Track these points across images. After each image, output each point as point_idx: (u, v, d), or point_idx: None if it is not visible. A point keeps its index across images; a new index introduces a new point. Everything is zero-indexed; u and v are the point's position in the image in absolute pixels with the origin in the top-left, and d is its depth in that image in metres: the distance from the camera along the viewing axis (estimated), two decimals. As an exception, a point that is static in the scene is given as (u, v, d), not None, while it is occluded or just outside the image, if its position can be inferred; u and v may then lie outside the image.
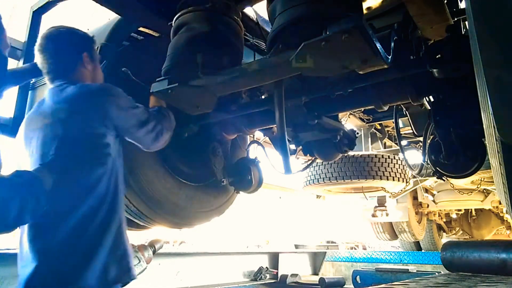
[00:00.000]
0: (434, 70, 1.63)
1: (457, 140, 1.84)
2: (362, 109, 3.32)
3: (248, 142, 2.58)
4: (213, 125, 2.23)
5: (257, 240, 7.43)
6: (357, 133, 2.36)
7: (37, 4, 2.42)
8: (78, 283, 1.31)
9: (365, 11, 1.92)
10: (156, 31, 2.28)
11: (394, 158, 3.87)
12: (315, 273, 6.32)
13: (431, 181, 5.67)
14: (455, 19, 1.88)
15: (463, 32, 1.74)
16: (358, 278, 4.68)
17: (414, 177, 4.42)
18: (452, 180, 4.67)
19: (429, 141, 2.11)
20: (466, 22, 1.87)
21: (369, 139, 4.49)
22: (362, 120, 3.81)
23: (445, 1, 1.76)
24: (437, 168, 2.01)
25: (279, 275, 5.33)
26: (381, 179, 3.75)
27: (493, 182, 3.36)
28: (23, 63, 2.25)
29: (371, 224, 6.57)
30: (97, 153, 1.44)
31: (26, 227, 1.38)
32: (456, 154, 1.88)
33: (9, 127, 2.14)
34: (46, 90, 1.61)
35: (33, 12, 2.41)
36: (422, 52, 1.74)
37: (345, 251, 6.51)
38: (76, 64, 1.58)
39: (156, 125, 1.62)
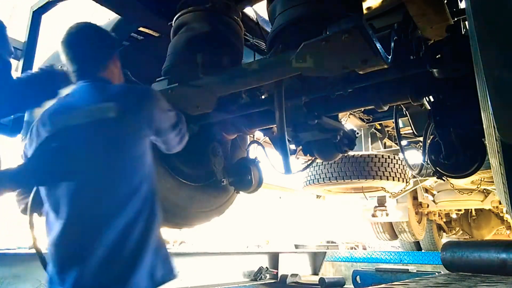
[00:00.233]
0: (434, 70, 1.63)
1: (457, 140, 1.84)
2: (362, 109, 3.31)
3: (248, 142, 2.58)
4: (213, 125, 2.23)
5: (257, 240, 7.43)
6: (357, 133, 2.36)
7: (37, 4, 2.42)
8: (128, 285, 1.29)
9: (365, 11, 1.92)
10: (156, 31, 2.28)
11: (394, 158, 3.87)
12: (315, 273, 6.32)
13: (431, 181, 5.67)
14: (455, 19, 1.88)
15: (463, 32, 1.74)
16: (358, 278, 4.68)
17: (414, 177, 4.42)
18: (452, 180, 4.67)
19: (429, 141, 2.11)
20: (466, 22, 1.87)
21: (369, 139, 4.49)
22: (362, 120, 3.81)
23: (445, 1, 1.77)
24: (437, 168, 2.01)
25: (279, 275, 5.33)
26: (381, 179, 3.75)
27: (493, 182, 3.36)
28: (23, 63, 2.25)
29: (371, 224, 6.57)
30: (141, 154, 1.41)
31: (59, 229, 1.32)
32: (456, 154, 1.88)
33: (9, 127, 2.14)
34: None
35: (33, 12, 2.41)
36: (422, 52, 1.74)
37: (345, 251, 6.51)
38: (108, 62, 1.53)
39: (182, 128, 1.61)
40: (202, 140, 2.27)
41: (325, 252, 6.48)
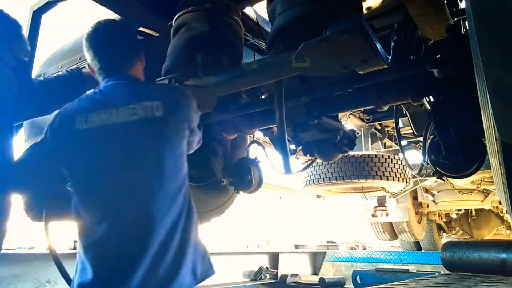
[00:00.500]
0: (434, 70, 1.63)
1: (457, 140, 1.84)
2: (362, 109, 3.31)
3: (248, 142, 2.58)
4: (213, 125, 2.23)
5: (257, 240, 7.43)
6: (357, 133, 2.36)
7: (37, 4, 2.42)
8: (174, 283, 1.28)
9: (365, 11, 1.92)
10: (156, 31, 2.27)
11: (394, 158, 3.87)
12: (315, 273, 6.32)
13: (431, 181, 5.67)
14: (455, 19, 1.88)
15: (463, 32, 1.74)
16: (358, 278, 4.68)
17: (414, 177, 4.42)
18: (452, 180, 4.67)
19: (429, 141, 2.11)
20: (466, 22, 1.87)
21: (369, 139, 4.49)
22: (362, 120, 3.81)
23: (445, 1, 1.77)
24: (437, 168, 2.01)
25: (279, 275, 5.33)
26: (381, 179, 3.74)
27: (493, 182, 3.36)
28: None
29: (371, 224, 6.56)
30: (182, 152, 1.41)
31: (104, 231, 1.29)
32: (456, 154, 1.88)
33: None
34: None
35: (33, 12, 2.41)
36: (422, 52, 1.74)
37: (345, 251, 6.51)
38: (136, 60, 1.50)
39: (201, 129, 1.60)
40: (202, 140, 2.27)
41: (325, 252, 6.48)
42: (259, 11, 2.27)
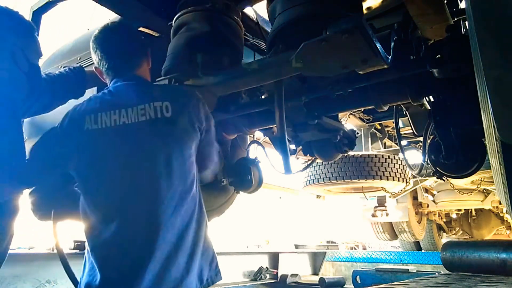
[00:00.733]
0: (434, 70, 1.63)
1: (457, 140, 1.84)
2: (362, 109, 3.31)
3: (248, 142, 2.58)
4: (213, 125, 2.23)
5: (257, 240, 7.43)
6: (357, 133, 2.36)
7: (37, 4, 2.43)
8: (182, 286, 1.29)
9: (365, 11, 1.92)
10: (156, 31, 2.27)
11: (394, 158, 3.87)
12: (315, 273, 6.32)
13: (431, 181, 5.67)
14: (455, 19, 1.88)
15: (463, 32, 1.74)
16: (358, 278, 4.68)
17: (414, 177, 4.42)
18: (452, 180, 4.67)
19: (429, 141, 2.11)
20: (466, 22, 1.87)
21: (369, 139, 4.49)
22: (362, 120, 3.81)
23: (445, 1, 1.76)
24: (437, 168, 2.01)
25: (279, 275, 5.33)
26: (381, 179, 3.74)
27: (493, 182, 3.36)
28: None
29: (371, 224, 6.56)
30: (191, 154, 1.41)
31: (113, 232, 1.29)
32: (456, 154, 1.87)
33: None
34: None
35: (33, 12, 2.41)
36: (422, 52, 1.74)
37: (345, 251, 6.51)
38: (143, 60, 1.52)
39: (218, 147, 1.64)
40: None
41: (325, 252, 6.48)
42: (259, 11, 2.27)
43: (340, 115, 2.67)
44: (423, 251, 6.93)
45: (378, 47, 1.30)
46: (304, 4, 1.54)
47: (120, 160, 1.35)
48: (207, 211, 2.41)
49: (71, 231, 3.01)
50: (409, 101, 1.89)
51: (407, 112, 2.34)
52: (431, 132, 2.05)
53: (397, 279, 4.14)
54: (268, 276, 5.23)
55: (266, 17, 1.95)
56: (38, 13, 2.41)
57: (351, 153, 3.42)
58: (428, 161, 2.07)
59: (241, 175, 2.31)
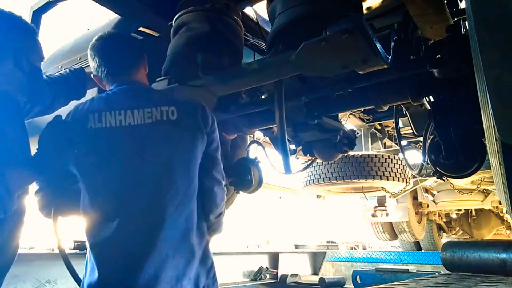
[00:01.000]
0: (434, 70, 1.63)
1: (457, 140, 1.84)
2: (362, 109, 3.31)
3: (248, 142, 2.58)
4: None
5: (257, 240, 7.43)
6: (357, 133, 2.36)
7: (37, 4, 2.43)
8: None
9: (365, 11, 1.92)
10: (156, 31, 2.28)
11: (394, 158, 3.87)
12: (315, 273, 6.32)
13: (431, 181, 5.67)
14: (455, 19, 1.88)
15: (463, 32, 1.74)
16: (358, 278, 4.68)
17: (414, 177, 4.42)
18: (452, 180, 4.67)
19: (429, 141, 2.11)
20: (466, 22, 1.87)
21: (369, 139, 4.49)
22: (362, 120, 3.81)
23: (445, 1, 1.76)
24: (437, 168, 2.01)
25: (279, 275, 5.33)
26: (381, 179, 3.75)
27: (493, 182, 3.36)
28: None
29: (371, 224, 6.56)
30: (195, 156, 1.42)
31: (114, 229, 1.29)
32: (456, 154, 1.87)
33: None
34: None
35: (33, 12, 2.41)
36: (422, 52, 1.74)
37: (345, 251, 6.52)
38: (140, 64, 1.55)
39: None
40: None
41: (325, 252, 6.48)
42: (259, 11, 2.27)
43: (340, 115, 2.67)
44: (423, 251, 6.93)
45: (378, 47, 1.30)
46: (304, 4, 1.54)
47: (123, 160, 1.36)
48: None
49: (71, 231, 3.01)
50: (409, 101, 1.89)
51: (407, 112, 2.34)
52: (431, 132, 2.05)
53: (397, 279, 4.14)
54: (268, 276, 5.23)
55: (266, 17, 1.95)
56: (38, 13, 2.41)
57: (351, 153, 3.42)
58: (428, 161, 2.07)
59: (241, 175, 2.31)
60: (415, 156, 4.54)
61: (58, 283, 3.02)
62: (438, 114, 1.85)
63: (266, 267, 5.29)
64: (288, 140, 1.94)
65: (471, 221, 7.25)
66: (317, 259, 6.46)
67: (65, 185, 1.49)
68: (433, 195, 6.56)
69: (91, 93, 1.78)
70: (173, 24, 1.86)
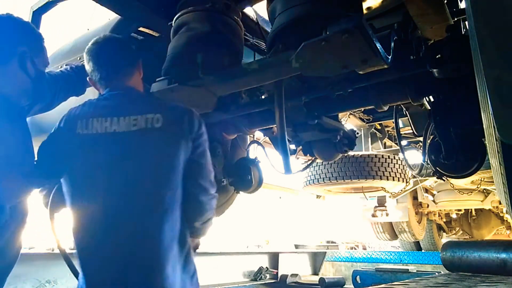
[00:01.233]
0: (434, 70, 1.63)
1: (457, 140, 1.84)
2: (362, 109, 3.31)
3: (248, 142, 2.58)
4: (213, 125, 2.23)
5: (257, 240, 7.43)
6: (357, 133, 2.36)
7: (37, 4, 2.42)
8: None
9: (365, 11, 1.92)
10: (156, 31, 2.27)
11: (394, 158, 3.87)
12: (315, 273, 6.32)
13: (431, 181, 5.67)
14: (455, 19, 1.88)
15: (463, 32, 1.74)
16: (358, 278, 4.68)
17: (414, 177, 4.42)
18: (452, 180, 4.66)
19: (429, 141, 2.11)
20: (466, 22, 1.87)
21: (369, 139, 4.49)
22: (362, 120, 3.81)
23: (445, 1, 1.76)
24: (437, 168, 2.01)
25: (279, 275, 5.33)
26: (381, 179, 3.74)
27: (493, 182, 3.36)
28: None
29: (371, 224, 6.56)
30: (181, 166, 1.41)
31: (94, 234, 1.32)
32: (456, 154, 1.88)
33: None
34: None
35: (33, 12, 2.41)
36: (422, 52, 1.74)
37: (345, 251, 6.52)
38: (134, 70, 1.55)
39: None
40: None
41: (325, 252, 6.48)
42: (259, 11, 2.27)
43: (340, 115, 2.67)
44: (423, 251, 6.93)
45: (378, 47, 1.30)
46: (304, 4, 1.54)
47: (107, 167, 1.37)
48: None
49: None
50: (409, 101, 1.89)
51: (407, 112, 2.34)
52: (431, 132, 2.05)
53: (397, 279, 4.14)
54: (268, 276, 5.23)
55: (266, 17, 1.95)
56: (38, 13, 2.41)
57: (351, 153, 3.42)
58: (428, 161, 2.07)
59: (241, 175, 2.31)
60: (415, 156, 4.54)
61: (58, 283, 3.01)
62: (438, 114, 1.85)
63: (266, 267, 5.29)
64: (288, 140, 1.94)
65: (471, 221, 7.25)
66: (317, 259, 6.46)
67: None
68: (433, 195, 6.56)
69: (91, 90, 1.79)
70: (173, 24, 1.85)
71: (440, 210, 6.80)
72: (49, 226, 1.55)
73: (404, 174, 3.89)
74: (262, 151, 2.48)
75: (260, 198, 7.51)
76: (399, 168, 3.85)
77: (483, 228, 7.16)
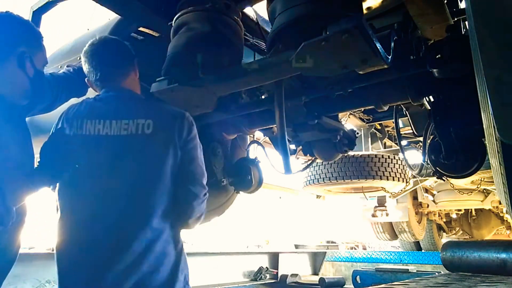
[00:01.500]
0: (434, 70, 1.63)
1: (457, 140, 1.84)
2: (362, 109, 3.31)
3: (248, 142, 2.58)
4: (213, 125, 2.23)
5: (257, 240, 7.43)
6: (357, 133, 2.36)
7: (37, 4, 2.42)
8: None
9: (365, 11, 1.92)
10: (156, 31, 2.27)
11: (394, 158, 3.87)
12: (315, 273, 6.32)
13: (431, 181, 5.67)
14: (455, 19, 1.88)
15: (463, 32, 1.74)
16: (358, 278, 4.68)
17: (414, 177, 4.42)
18: (452, 180, 4.67)
19: (429, 141, 2.11)
20: (466, 22, 1.87)
21: (369, 139, 4.49)
22: (362, 120, 3.81)
23: (445, 1, 1.76)
24: (437, 168, 2.01)
25: (279, 275, 5.33)
26: (381, 179, 3.74)
27: (493, 182, 3.36)
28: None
29: (371, 224, 6.56)
30: (169, 173, 1.42)
31: (80, 234, 1.33)
32: (456, 154, 1.88)
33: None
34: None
35: (33, 12, 2.41)
36: (422, 52, 1.74)
37: (345, 251, 6.51)
38: (130, 71, 1.56)
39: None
40: (202, 140, 2.27)
41: (325, 252, 6.48)
42: (259, 11, 2.27)
43: (340, 115, 2.67)
44: (423, 251, 6.93)
45: (378, 47, 1.30)
46: (304, 4, 1.54)
47: (97, 169, 1.38)
48: (207, 211, 2.42)
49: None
50: (409, 101, 1.89)
51: (407, 112, 2.34)
52: (431, 132, 2.05)
53: (397, 279, 4.14)
54: (268, 276, 5.23)
55: (266, 17, 1.95)
56: (38, 13, 2.41)
57: (351, 153, 3.42)
58: (428, 161, 2.07)
59: (241, 175, 2.31)
60: (415, 156, 4.54)
61: (58, 283, 3.01)
62: (438, 114, 1.85)
63: (266, 267, 5.29)
64: (288, 140, 1.94)
65: (471, 221, 7.25)
66: (317, 259, 6.46)
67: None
68: (433, 195, 6.56)
69: (91, 91, 1.79)
70: (173, 24, 1.85)
71: (440, 210, 6.80)
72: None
73: (404, 174, 3.89)
74: (262, 151, 2.48)
75: (260, 198, 7.51)
76: (399, 168, 3.85)
77: (483, 228, 7.16)
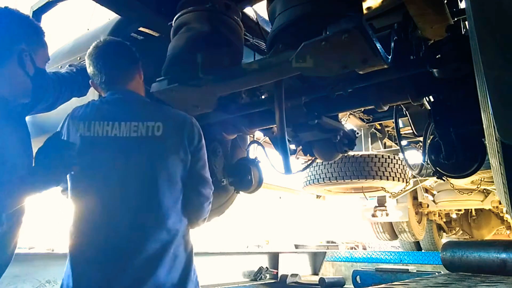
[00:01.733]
0: (434, 70, 1.63)
1: (457, 140, 1.84)
2: (362, 109, 3.31)
3: (248, 142, 2.58)
4: (213, 125, 2.23)
5: (257, 240, 7.43)
6: (357, 133, 2.36)
7: (37, 4, 2.42)
8: None
9: (365, 11, 1.92)
10: (156, 31, 2.27)
11: (394, 158, 3.87)
12: (315, 273, 6.32)
13: (431, 181, 5.67)
14: (455, 19, 1.88)
15: (463, 32, 1.74)
16: (358, 278, 4.68)
17: (414, 177, 4.42)
18: (452, 180, 4.67)
19: (429, 141, 2.11)
20: (466, 22, 1.86)
21: (369, 139, 4.49)
22: (362, 120, 3.81)
23: (445, 1, 1.76)
24: (437, 168, 2.01)
25: (279, 275, 5.33)
26: (381, 179, 3.75)
27: (493, 182, 3.36)
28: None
29: (371, 224, 6.57)
30: (180, 175, 1.44)
31: (90, 234, 1.34)
32: (456, 154, 1.87)
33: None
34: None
35: (33, 12, 2.41)
36: (422, 52, 1.74)
37: (345, 251, 6.52)
38: (135, 73, 1.57)
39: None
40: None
41: (325, 252, 6.48)
42: (259, 11, 2.27)
43: (340, 115, 2.67)
44: (423, 251, 6.93)
45: (378, 47, 1.30)
46: (304, 4, 1.54)
47: (106, 170, 1.39)
48: (207, 211, 2.42)
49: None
50: (409, 101, 1.89)
51: (407, 112, 2.34)
52: (431, 132, 2.05)
53: (397, 279, 4.14)
54: (268, 276, 5.23)
55: (266, 17, 1.95)
56: (38, 13, 2.41)
57: (351, 153, 3.42)
58: (428, 161, 2.07)
59: (241, 175, 2.31)
60: (415, 156, 4.55)
61: (58, 283, 3.01)
62: (438, 114, 1.85)
63: (266, 267, 5.29)
64: (288, 140, 1.94)
65: (471, 221, 7.25)
66: (317, 259, 6.46)
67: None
68: (433, 195, 6.56)
69: (91, 91, 1.79)
70: (173, 24, 1.85)
71: (440, 210, 6.80)
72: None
73: (404, 174, 3.89)
74: (262, 151, 2.48)
75: (260, 198, 7.51)
76: (399, 168, 3.85)
77: (483, 228, 7.16)
